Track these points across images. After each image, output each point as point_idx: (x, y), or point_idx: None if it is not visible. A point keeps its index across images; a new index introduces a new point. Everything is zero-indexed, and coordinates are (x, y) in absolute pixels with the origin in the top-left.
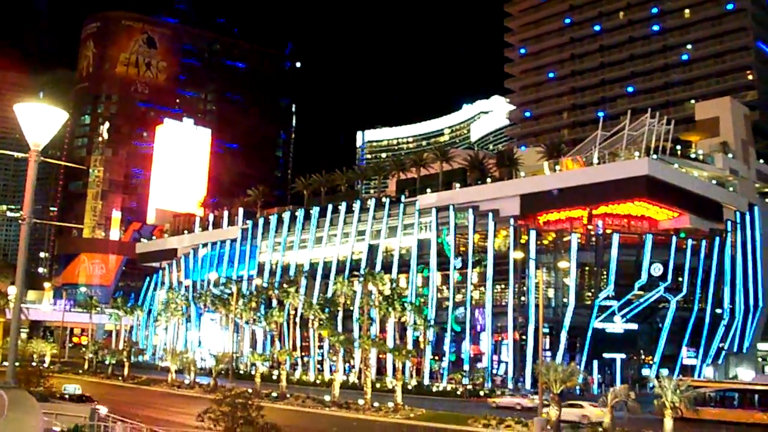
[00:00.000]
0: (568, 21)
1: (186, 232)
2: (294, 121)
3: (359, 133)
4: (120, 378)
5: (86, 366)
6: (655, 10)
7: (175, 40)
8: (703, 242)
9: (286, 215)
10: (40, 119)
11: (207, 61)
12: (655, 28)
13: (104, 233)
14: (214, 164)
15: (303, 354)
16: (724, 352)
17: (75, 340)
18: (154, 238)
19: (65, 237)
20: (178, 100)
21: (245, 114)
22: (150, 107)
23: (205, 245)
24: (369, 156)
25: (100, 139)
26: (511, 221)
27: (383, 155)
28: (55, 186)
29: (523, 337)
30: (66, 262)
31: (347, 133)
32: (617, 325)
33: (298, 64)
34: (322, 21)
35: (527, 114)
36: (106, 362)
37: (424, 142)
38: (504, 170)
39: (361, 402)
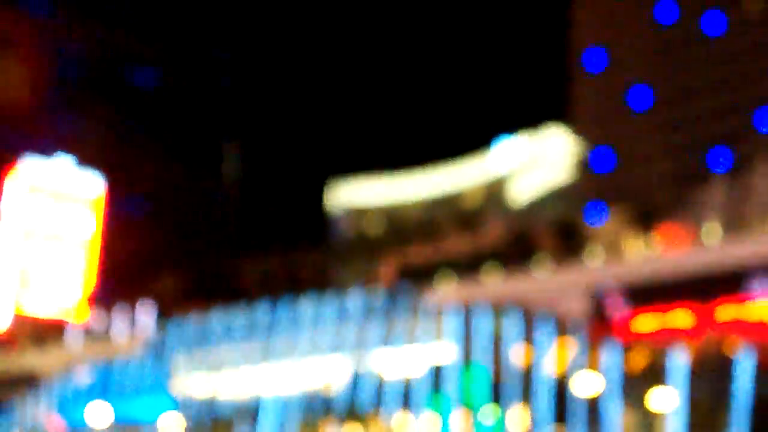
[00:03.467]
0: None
1: (57, 345)
2: (240, 170)
3: (335, 187)
4: None
5: None
6: None
7: (45, 37)
8: None
9: (222, 318)
10: None
11: (99, 71)
12: None
13: None
14: (107, 233)
15: None
16: None
17: None
18: None
19: None
20: (49, 130)
21: (161, 155)
22: None
23: (88, 366)
24: (350, 223)
25: None
26: (578, 330)
27: (373, 224)
28: None
29: None
30: None
31: (316, 187)
32: None
33: (244, 82)
34: (280, 15)
35: (605, 162)
36: None
37: (435, 202)
38: (566, 249)
39: None
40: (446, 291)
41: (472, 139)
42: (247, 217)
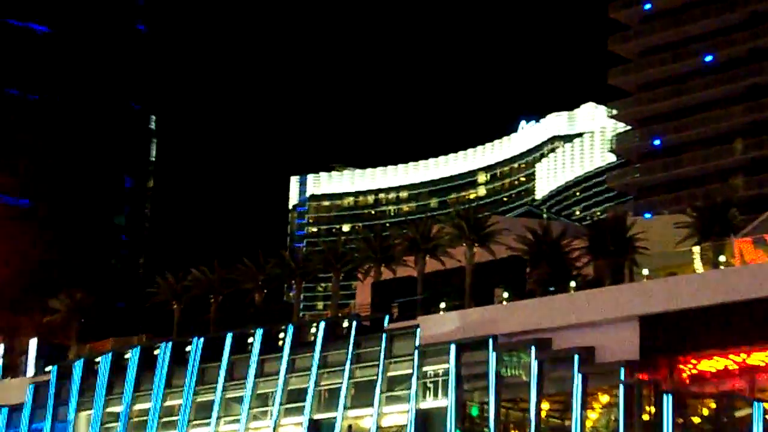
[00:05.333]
0: None
1: None
2: (154, 151)
3: (294, 182)
4: None
5: None
6: None
7: None
8: None
9: (133, 355)
10: None
11: None
12: None
13: None
14: None
15: None
16: None
17: None
18: None
19: None
20: None
21: (48, 134)
22: None
23: None
24: (314, 228)
25: None
26: (622, 373)
27: (344, 227)
28: None
29: None
30: None
31: (269, 179)
32: None
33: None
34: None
35: (657, 142)
36: None
37: (432, 201)
38: (606, 263)
39: None
40: (443, 319)
41: (482, 123)
42: (168, 215)
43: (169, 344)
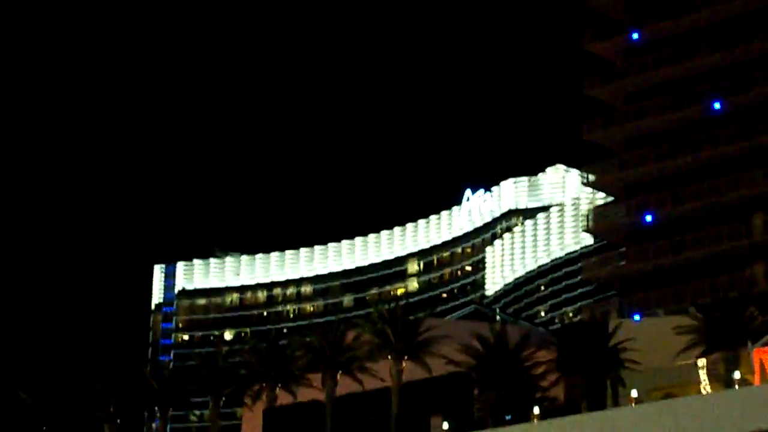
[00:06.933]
0: None
1: None
2: None
3: (158, 272)
4: None
5: None
6: None
7: None
8: None
9: None
10: None
11: None
12: None
13: None
14: None
15: None
16: None
17: None
18: None
19: None
20: None
21: None
22: None
23: None
24: (185, 335)
25: None
26: None
27: (227, 334)
28: None
29: None
30: None
31: (124, 268)
32: None
33: None
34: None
35: (649, 218)
36: None
37: (346, 298)
38: (582, 382)
39: None
40: None
41: (414, 193)
42: None
43: None
